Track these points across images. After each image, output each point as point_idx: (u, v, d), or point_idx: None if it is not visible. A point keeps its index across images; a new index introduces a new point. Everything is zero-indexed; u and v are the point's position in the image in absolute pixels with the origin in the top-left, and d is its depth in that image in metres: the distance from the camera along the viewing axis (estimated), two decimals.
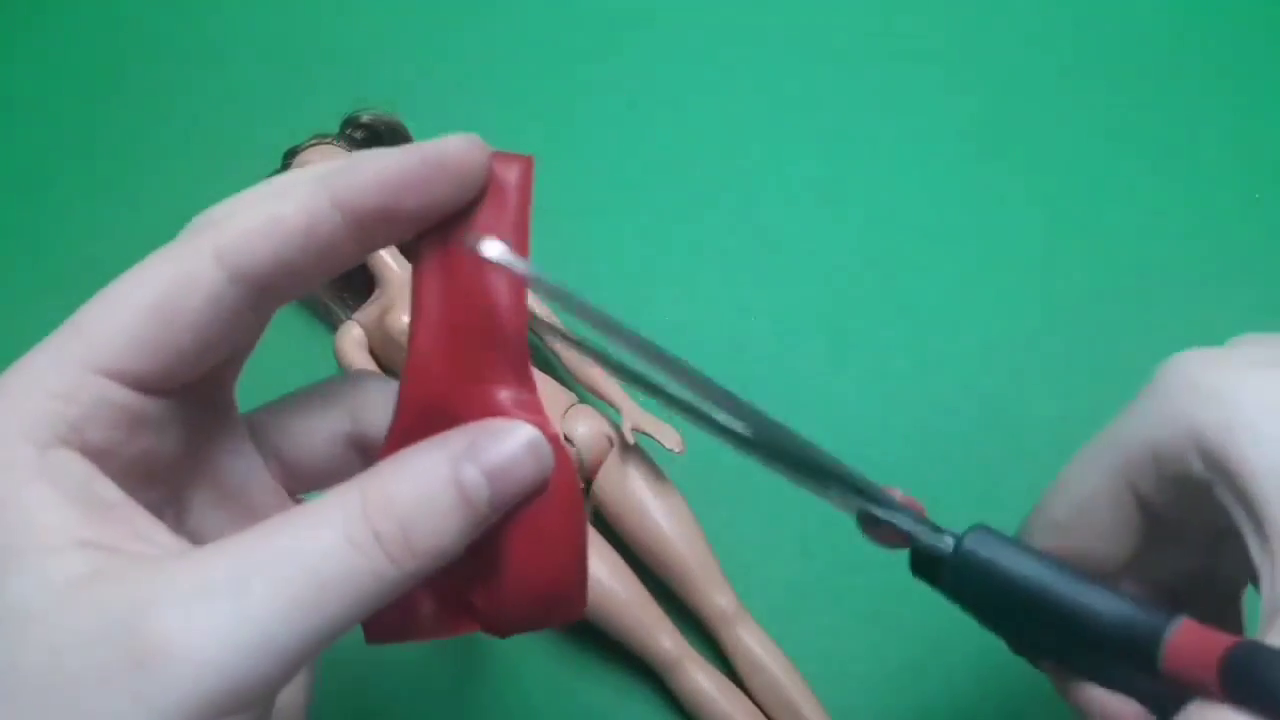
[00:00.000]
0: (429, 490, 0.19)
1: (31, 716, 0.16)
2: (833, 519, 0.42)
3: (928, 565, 0.25)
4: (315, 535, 0.18)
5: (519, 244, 0.22)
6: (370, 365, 0.40)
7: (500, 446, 0.20)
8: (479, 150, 0.21)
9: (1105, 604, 0.22)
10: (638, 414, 0.38)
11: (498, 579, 0.21)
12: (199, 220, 0.21)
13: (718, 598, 0.37)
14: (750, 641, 0.36)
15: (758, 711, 0.36)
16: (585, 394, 0.40)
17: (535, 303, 0.20)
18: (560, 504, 0.21)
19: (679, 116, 0.49)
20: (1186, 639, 0.21)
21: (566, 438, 0.37)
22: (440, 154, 0.20)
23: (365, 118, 0.45)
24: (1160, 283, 0.45)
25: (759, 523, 0.40)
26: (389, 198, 0.19)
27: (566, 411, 0.38)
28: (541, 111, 0.50)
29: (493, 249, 0.20)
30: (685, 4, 0.52)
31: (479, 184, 0.21)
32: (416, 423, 0.21)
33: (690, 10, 0.52)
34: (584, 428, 0.37)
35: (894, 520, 0.24)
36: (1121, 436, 0.23)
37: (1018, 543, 0.23)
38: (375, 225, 0.20)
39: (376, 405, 0.23)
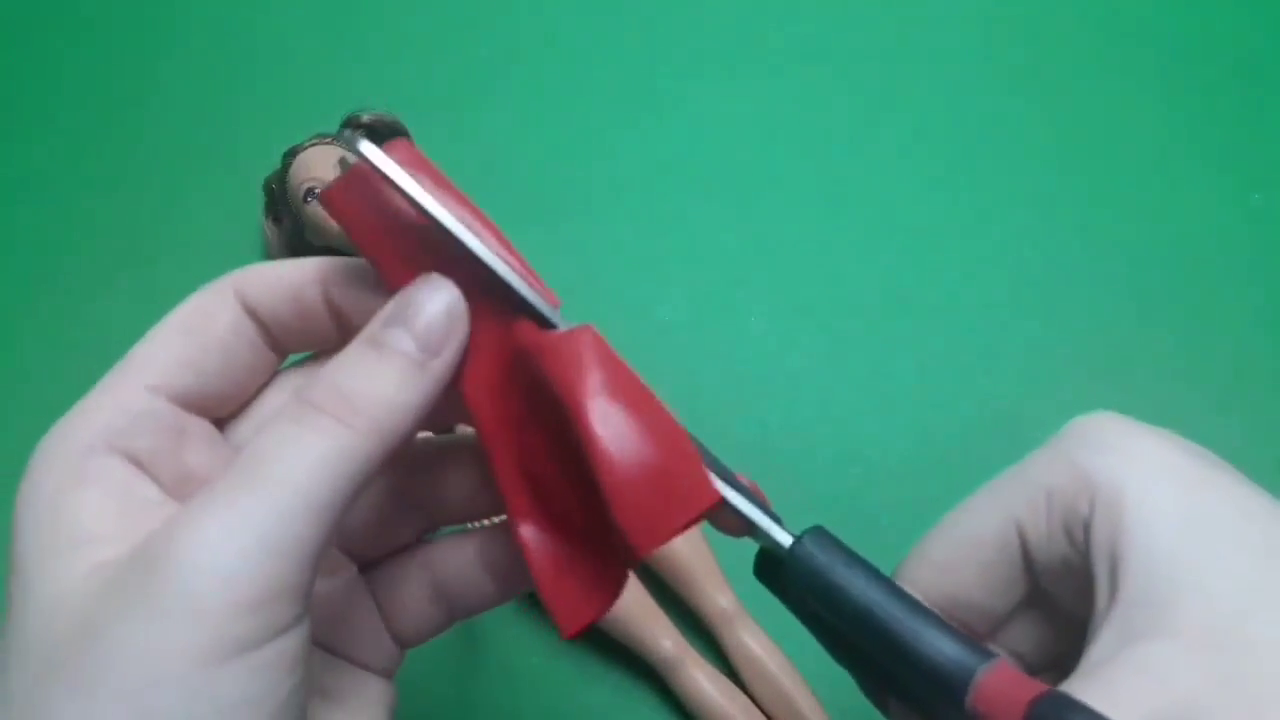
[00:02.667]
0: (348, 357, 0.20)
1: (68, 666, 0.17)
2: (833, 519, 0.42)
3: (770, 567, 0.23)
4: (268, 437, 0.19)
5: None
6: None
7: (409, 301, 0.20)
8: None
9: (926, 633, 0.21)
10: None
11: (606, 488, 0.20)
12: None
13: (719, 598, 0.37)
14: (751, 641, 0.36)
15: (758, 711, 0.36)
16: None
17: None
18: (621, 381, 0.20)
19: (679, 117, 0.49)
20: (998, 681, 0.20)
21: None
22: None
23: (365, 118, 0.44)
24: (1160, 284, 0.45)
25: None
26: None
27: None
28: (542, 112, 0.50)
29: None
30: (685, 5, 0.52)
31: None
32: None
33: (690, 11, 0.52)
34: None
35: (736, 504, 0.22)
36: (1018, 478, 0.23)
37: (856, 556, 0.22)
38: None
39: (344, 269, 0.23)
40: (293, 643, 0.18)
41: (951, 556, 0.24)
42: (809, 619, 0.23)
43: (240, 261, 0.23)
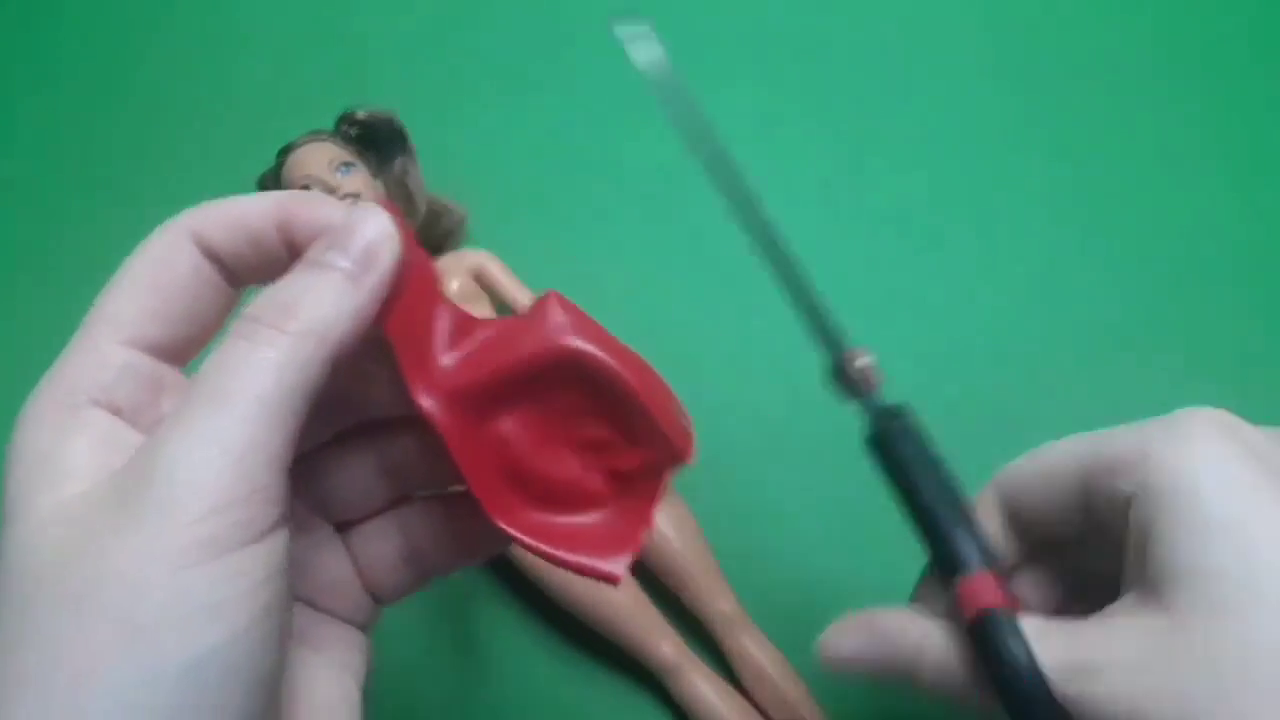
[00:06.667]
0: (288, 277, 0.21)
1: (53, 586, 0.18)
2: (834, 522, 0.42)
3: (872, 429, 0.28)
4: (218, 354, 0.20)
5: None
6: None
7: (345, 228, 0.22)
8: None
9: (953, 521, 0.25)
10: None
11: (651, 409, 0.23)
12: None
13: (720, 602, 0.37)
14: (752, 646, 0.36)
15: (759, 716, 0.36)
16: None
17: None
18: (599, 328, 0.24)
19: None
20: (982, 579, 0.24)
21: None
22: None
23: (360, 114, 0.44)
24: (1165, 284, 0.45)
25: (761, 528, 0.40)
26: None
27: None
28: (539, 112, 0.49)
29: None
30: (687, 5, 0.52)
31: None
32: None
33: (691, 10, 0.52)
34: None
35: (852, 373, 0.28)
36: (1097, 437, 0.26)
37: (927, 441, 0.27)
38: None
39: (304, 198, 0.24)
40: (268, 549, 0.19)
41: (1031, 478, 0.27)
42: (880, 463, 0.27)
43: None
